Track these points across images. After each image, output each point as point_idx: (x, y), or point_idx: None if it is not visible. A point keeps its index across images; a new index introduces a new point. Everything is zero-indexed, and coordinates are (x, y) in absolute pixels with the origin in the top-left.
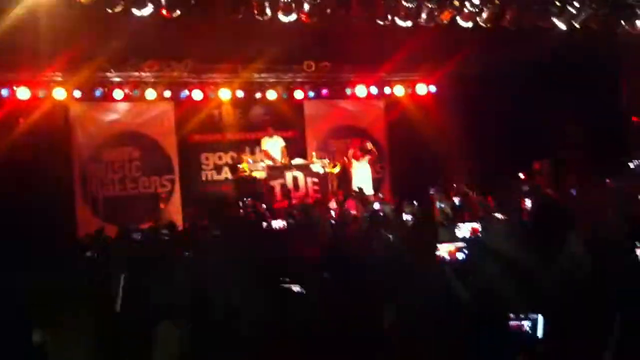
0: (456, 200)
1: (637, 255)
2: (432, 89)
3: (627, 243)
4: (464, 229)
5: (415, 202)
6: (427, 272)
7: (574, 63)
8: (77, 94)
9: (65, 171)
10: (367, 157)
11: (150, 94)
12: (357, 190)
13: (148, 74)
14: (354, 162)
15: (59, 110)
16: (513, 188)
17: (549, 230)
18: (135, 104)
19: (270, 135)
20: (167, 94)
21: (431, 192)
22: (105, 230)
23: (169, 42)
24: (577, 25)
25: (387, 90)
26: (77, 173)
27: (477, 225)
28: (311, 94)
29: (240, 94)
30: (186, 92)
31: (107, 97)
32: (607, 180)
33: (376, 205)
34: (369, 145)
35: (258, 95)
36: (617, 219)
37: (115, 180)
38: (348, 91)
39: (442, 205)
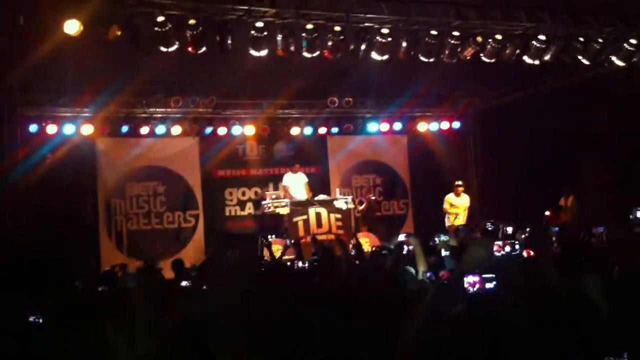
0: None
1: None
2: (455, 124)
3: None
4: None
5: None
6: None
7: (601, 94)
8: (104, 129)
9: (90, 205)
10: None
11: (176, 129)
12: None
13: (173, 109)
14: None
15: (85, 145)
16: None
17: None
18: (161, 139)
19: (295, 172)
20: (192, 129)
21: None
22: (128, 266)
23: (194, 78)
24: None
25: (409, 125)
26: (101, 207)
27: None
28: (334, 129)
29: (264, 129)
30: (211, 128)
31: (134, 133)
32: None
33: (401, 237)
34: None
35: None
36: None
37: (139, 214)
38: (370, 126)
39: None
